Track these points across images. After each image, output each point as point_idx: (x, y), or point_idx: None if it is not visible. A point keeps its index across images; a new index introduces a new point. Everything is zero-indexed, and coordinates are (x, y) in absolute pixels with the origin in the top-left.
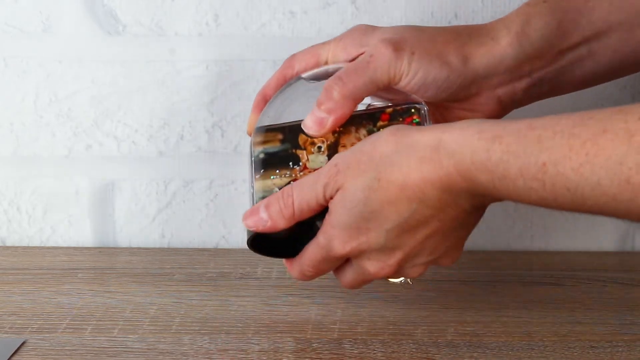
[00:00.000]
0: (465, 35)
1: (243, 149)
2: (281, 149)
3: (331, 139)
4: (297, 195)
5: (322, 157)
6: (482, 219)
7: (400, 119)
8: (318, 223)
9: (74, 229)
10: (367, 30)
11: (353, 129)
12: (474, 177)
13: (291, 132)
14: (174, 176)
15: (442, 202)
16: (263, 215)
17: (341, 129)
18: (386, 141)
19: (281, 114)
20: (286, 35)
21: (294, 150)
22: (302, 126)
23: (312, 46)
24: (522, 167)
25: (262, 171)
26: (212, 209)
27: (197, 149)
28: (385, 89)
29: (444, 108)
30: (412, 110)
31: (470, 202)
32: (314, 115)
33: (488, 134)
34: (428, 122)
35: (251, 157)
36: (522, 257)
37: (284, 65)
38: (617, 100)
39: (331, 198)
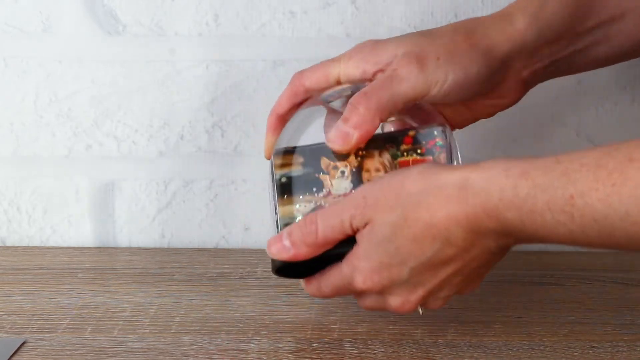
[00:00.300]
0: (483, 26)
1: (243, 149)
2: (303, 173)
3: (354, 163)
4: (322, 223)
5: (346, 182)
6: None
7: (424, 142)
8: (342, 250)
9: (74, 229)
10: (377, 45)
11: (376, 152)
12: (501, 216)
13: (313, 155)
14: (174, 176)
15: (467, 241)
16: (286, 243)
17: (364, 152)
18: (414, 180)
19: (300, 135)
20: (286, 35)
21: (316, 175)
22: (326, 141)
23: (321, 63)
24: (550, 200)
25: (285, 196)
26: (212, 209)
27: (197, 149)
28: (413, 103)
29: (473, 102)
30: (435, 132)
31: (496, 243)
32: (339, 130)
33: (515, 170)
34: (452, 145)
35: (272, 181)
36: (522, 257)
37: (293, 82)
38: (617, 101)
39: (358, 230)
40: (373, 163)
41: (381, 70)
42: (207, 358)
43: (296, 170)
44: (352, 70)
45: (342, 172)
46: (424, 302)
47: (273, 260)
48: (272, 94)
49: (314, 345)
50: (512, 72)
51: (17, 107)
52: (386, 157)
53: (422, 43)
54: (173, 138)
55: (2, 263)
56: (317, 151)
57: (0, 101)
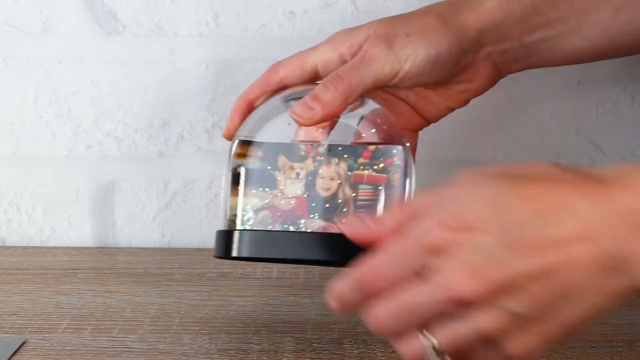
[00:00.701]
0: (454, 6)
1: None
2: (259, 168)
3: (311, 167)
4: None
5: (300, 185)
6: None
7: (382, 159)
8: None
9: (74, 229)
10: (351, 30)
11: (334, 161)
12: None
13: (272, 151)
14: (174, 176)
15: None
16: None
17: (322, 158)
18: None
19: (261, 128)
20: (286, 35)
21: (272, 172)
22: (289, 112)
23: (298, 52)
24: None
25: (238, 187)
26: (212, 209)
27: (197, 149)
28: (386, 85)
29: (444, 88)
30: (394, 151)
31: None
32: (306, 104)
33: None
34: (409, 164)
35: (229, 165)
36: None
37: (269, 70)
38: (617, 101)
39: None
40: (329, 171)
41: (355, 53)
42: (207, 358)
43: (253, 163)
44: (328, 54)
45: (297, 174)
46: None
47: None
48: None
49: (314, 345)
50: (483, 53)
51: (17, 107)
52: (342, 167)
53: (393, 23)
54: (173, 138)
55: (2, 263)
56: (276, 148)
57: (0, 101)
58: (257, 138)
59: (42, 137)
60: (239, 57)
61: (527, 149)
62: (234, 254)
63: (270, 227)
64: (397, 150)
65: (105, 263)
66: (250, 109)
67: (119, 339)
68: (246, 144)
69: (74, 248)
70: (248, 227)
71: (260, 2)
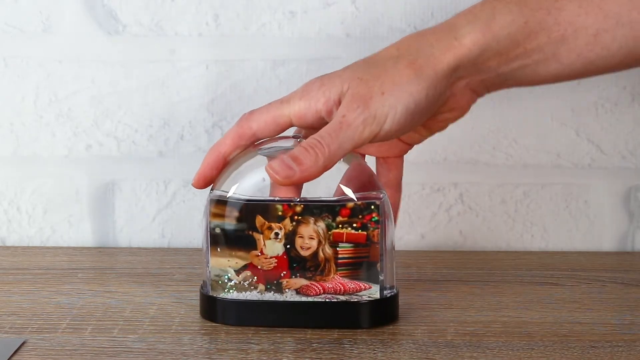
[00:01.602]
0: (427, 44)
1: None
2: (237, 228)
3: (289, 227)
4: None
5: (279, 245)
6: (482, 219)
7: (360, 216)
8: None
9: (74, 229)
10: (324, 82)
11: (312, 220)
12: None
13: (248, 211)
14: (174, 176)
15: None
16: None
17: (300, 218)
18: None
19: (235, 184)
20: (286, 35)
21: (250, 232)
22: (266, 168)
23: (271, 104)
24: None
25: (218, 249)
26: None
27: (197, 149)
28: (368, 144)
29: (426, 122)
30: (372, 207)
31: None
32: (285, 163)
33: None
34: (388, 217)
35: (206, 223)
36: (522, 257)
37: (240, 124)
38: (617, 101)
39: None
40: (307, 230)
41: (331, 110)
42: (207, 358)
43: (230, 223)
44: (303, 110)
45: (276, 234)
46: None
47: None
48: (272, 94)
49: (314, 345)
50: (459, 86)
51: (17, 107)
52: (321, 226)
53: (367, 80)
54: (173, 138)
55: (2, 263)
56: (253, 208)
57: (0, 101)
58: (233, 196)
59: (42, 137)
60: (239, 57)
61: (527, 149)
62: (219, 321)
63: (252, 287)
64: (374, 206)
65: (105, 263)
66: (223, 162)
67: (119, 339)
68: (222, 203)
69: (74, 248)
70: (231, 291)
71: (260, 2)
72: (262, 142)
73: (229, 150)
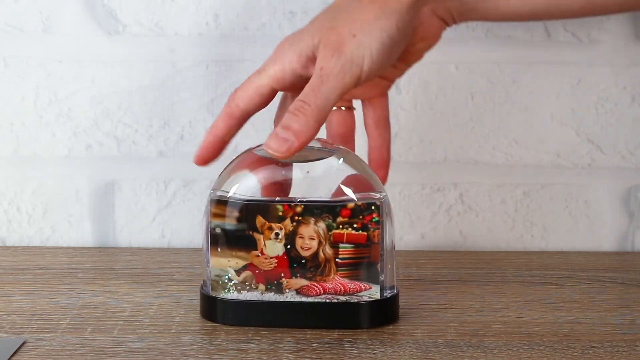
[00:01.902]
0: None
1: (243, 149)
2: (237, 229)
3: (289, 227)
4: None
5: (280, 246)
6: (482, 219)
7: (361, 217)
8: None
9: (74, 229)
10: (294, 40)
11: (312, 220)
12: None
13: (249, 211)
14: (174, 176)
15: None
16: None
17: (300, 218)
18: None
19: (235, 184)
20: (286, 35)
21: (250, 232)
22: (264, 147)
23: (249, 77)
24: None
25: (218, 249)
26: None
27: (197, 149)
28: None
29: (403, 53)
30: (372, 207)
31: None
32: (278, 136)
33: None
34: (388, 217)
35: (206, 223)
36: (522, 257)
37: (229, 104)
38: (617, 101)
39: None
40: (308, 230)
41: (306, 64)
42: (207, 358)
43: (230, 223)
44: (279, 73)
45: (277, 235)
46: None
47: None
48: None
49: (314, 345)
50: (425, 13)
51: (17, 107)
52: (321, 226)
53: (335, 27)
54: (173, 138)
55: (2, 263)
56: (254, 208)
57: (0, 101)
58: (233, 196)
59: (42, 137)
60: (239, 57)
61: (527, 149)
62: (219, 321)
63: (253, 287)
64: (375, 207)
65: (105, 263)
66: (222, 145)
67: (119, 339)
68: (222, 203)
69: (74, 248)
70: (231, 291)
71: (260, 2)
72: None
73: (223, 131)
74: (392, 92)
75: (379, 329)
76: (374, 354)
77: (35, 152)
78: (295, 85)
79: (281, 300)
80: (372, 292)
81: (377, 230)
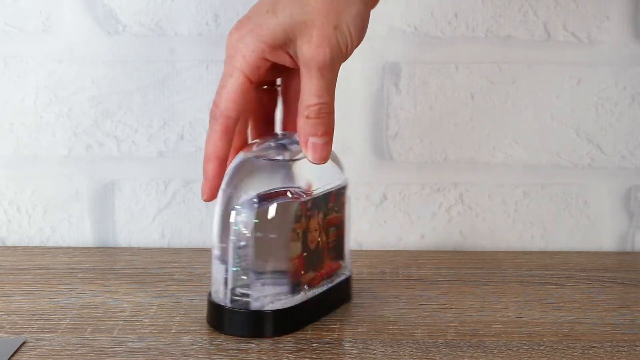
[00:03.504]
0: None
1: None
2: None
3: (304, 225)
4: None
5: (298, 245)
6: (482, 219)
7: (340, 199)
8: None
9: (74, 229)
10: (254, 29)
11: (316, 212)
12: None
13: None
14: (174, 176)
15: None
16: None
17: (310, 213)
18: None
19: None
20: None
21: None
22: (309, 159)
23: (223, 87)
24: None
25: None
26: (212, 209)
27: (197, 149)
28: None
29: None
30: (345, 186)
31: None
32: (320, 145)
33: None
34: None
35: (232, 235)
36: (522, 257)
37: (218, 119)
38: (617, 101)
39: None
40: (314, 224)
41: (279, 51)
42: (207, 358)
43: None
44: (255, 65)
45: (298, 234)
46: None
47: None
48: None
49: (314, 345)
50: None
51: (17, 107)
52: (320, 216)
53: (305, 18)
54: (173, 138)
55: (2, 263)
56: (279, 208)
57: (0, 101)
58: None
59: (42, 137)
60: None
61: (527, 149)
62: (227, 332)
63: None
64: (345, 188)
65: (105, 263)
66: (224, 166)
67: (119, 339)
68: (260, 206)
69: (74, 248)
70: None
71: None
72: (250, 145)
73: (225, 150)
74: (392, 92)
75: (379, 329)
76: (374, 354)
77: (35, 152)
78: (266, 74)
79: (305, 299)
80: (345, 268)
81: (346, 209)
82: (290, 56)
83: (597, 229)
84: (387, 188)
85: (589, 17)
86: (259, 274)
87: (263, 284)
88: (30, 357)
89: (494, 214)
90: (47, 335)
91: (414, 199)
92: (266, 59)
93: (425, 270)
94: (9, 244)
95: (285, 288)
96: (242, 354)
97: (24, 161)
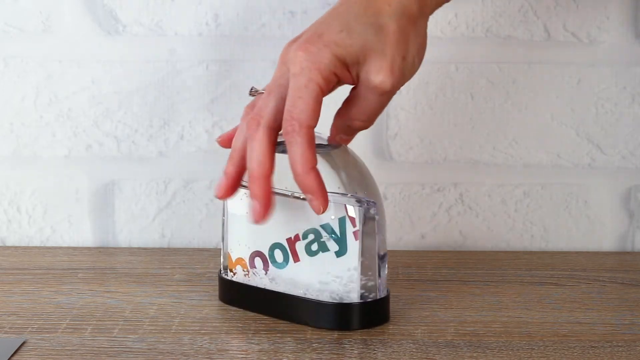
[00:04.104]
0: None
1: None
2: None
3: None
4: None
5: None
6: (482, 219)
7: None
8: None
9: (74, 229)
10: (329, 44)
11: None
12: None
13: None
14: (174, 176)
15: None
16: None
17: None
18: None
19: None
20: (286, 35)
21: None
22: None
23: (298, 97)
24: None
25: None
26: (212, 209)
27: (197, 149)
28: None
29: None
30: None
31: None
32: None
33: None
34: None
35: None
36: (522, 257)
37: (269, 130)
38: (617, 101)
39: None
40: None
41: (344, 68)
42: (207, 358)
43: None
44: (330, 79)
45: None
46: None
47: None
48: None
49: (314, 345)
50: None
51: (17, 107)
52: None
53: (377, 47)
54: (173, 138)
55: (2, 263)
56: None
57: (0, 101)
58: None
59: (42, 137)
60: (239, 57)
61: (527, 149)
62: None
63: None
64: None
65: (105, 263)
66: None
67: (119, 339)
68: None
69: (74, 248)
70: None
71: (260, 2)
72: None
73: (272, 165)
74: None
75: (379, 329)
76: (374, 354)
77: (35, 152)
78: (330, 89)
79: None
80: None
81: None
82: (351, 76)
83: (597, 229)
84: (387, 188)
85: (589, 17)
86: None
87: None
88: (30, 357)
89: (494, 214)
90: (47, 335)
91: (414, 199)
92: (336, 75)
93: (425, 270)
94: (9, 244)
95: None
96: (242, 354)
97: (24, 161)
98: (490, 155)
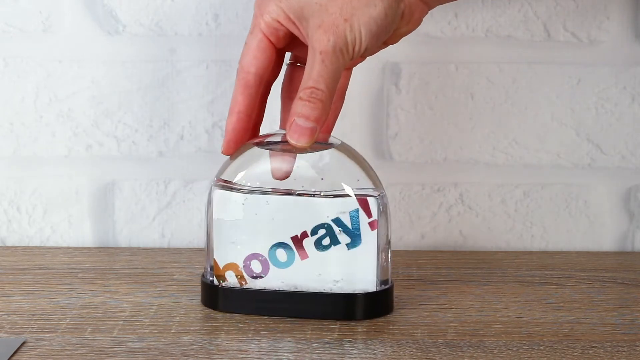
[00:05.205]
0: None
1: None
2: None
3: None
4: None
5: None
6: (482, 219)
7: None
8: None
9: (74, 229)
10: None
11: None
12: None
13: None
14: (174, 176)
15: None
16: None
17: None
18: None
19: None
20: None
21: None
22: (289, 141)
23: (246, 44)
24: None
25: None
26: None
27: (197, 149)
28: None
29: (389, 39)
30: None
31: None
32: (302, 127)
33: None
34: None
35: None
36: (522, 257)
37: (239, 76)
38: (617, 101)
39: None
40: None
41: (290, 23)
42: (207, 358)
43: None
44: (273, 26)
45: None
46: None
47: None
48: (272, 94)
49: (314, 345)
50: (413, 0)
51: (17, 107)
52: None
53: (322, 2)
54: (173, 138)
55: (2, 263)
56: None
57: (0, 101)
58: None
59: (42, 137)
60: (239, 57)
61: (527, 149)
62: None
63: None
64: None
65: (105, 263)
66: (248, 120)
67: (119, 339)
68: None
69: (74, 248)
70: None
71: None
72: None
73: (244, 104)
74: (392, 92)
75: (379, 329)
76: (374, 354)
77: (35, 152)
78: (285, 40)
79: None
80: None
81: None
82: (302, 33)
83: (597, 229)
84: (387, 188)
85: (589, 17)
86: None
87: None
88: (30, 357)
89: (494, 214)
90: (47, 335)
91: (414, 199)
92: (281, 24)
93: (425, 270)
94: (9, 244)
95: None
96: (242, 354)
97: (24, 161)
98: (490, 155)
